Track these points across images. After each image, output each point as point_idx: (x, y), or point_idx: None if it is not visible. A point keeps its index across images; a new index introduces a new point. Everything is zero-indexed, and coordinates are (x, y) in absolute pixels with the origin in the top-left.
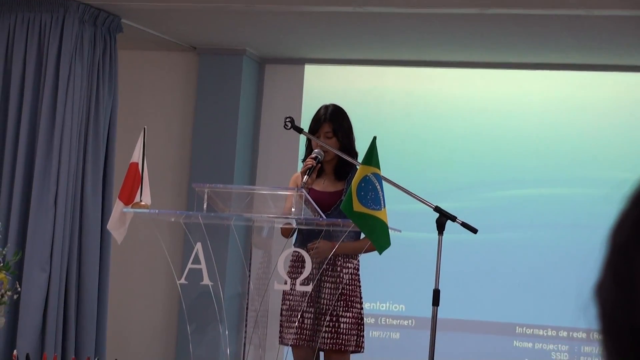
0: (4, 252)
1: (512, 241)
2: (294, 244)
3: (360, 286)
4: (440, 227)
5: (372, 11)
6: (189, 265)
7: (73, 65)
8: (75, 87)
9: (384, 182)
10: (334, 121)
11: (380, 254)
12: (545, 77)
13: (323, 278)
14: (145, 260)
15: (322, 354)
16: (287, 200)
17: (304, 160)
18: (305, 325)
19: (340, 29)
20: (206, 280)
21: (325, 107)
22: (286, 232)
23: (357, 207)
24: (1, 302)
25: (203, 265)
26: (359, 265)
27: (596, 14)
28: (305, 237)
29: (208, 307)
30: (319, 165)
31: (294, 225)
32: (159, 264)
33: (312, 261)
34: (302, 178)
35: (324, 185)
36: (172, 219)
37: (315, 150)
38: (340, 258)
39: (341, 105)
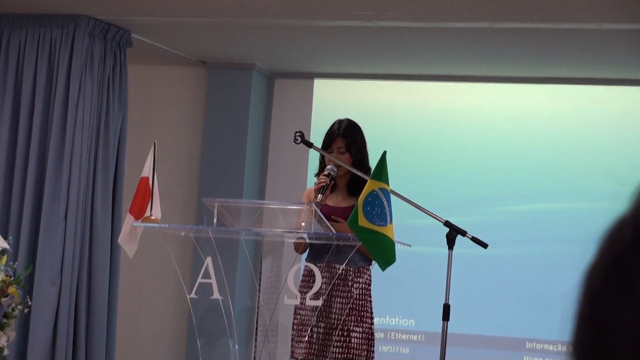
0: (14, 266)
1: (523, 256)
2: (305, 259)
3: (371, 301)
4: (451, 242)
5: (381, 25)
6: (199, 280)
7: (83, 80)
8: (85, 101)
9: (394, 197)
10: (347, 136)
11: (382, 270)
12: (555, 91)
13: (334, 293)
14: (155, 274)
15: None
16: (299, 216)
17: (317, 175)
18: (315, 340)
19: (350, 43)
20: (216, 295)
21: (340, 121)
22: (299, 247)
23: (362, 222)
24: (12, 316)
25: (213, 280)
26: (370, 279)
27: (606, 28)
28: (317, 253)
29: (218, 321)
30: (332, 182)
31: (307, 240)
32: (169, 278)
33: (322, 276)
34: (316, 196)
35: (336, 200)
36: (182, 233)
37: (328, 167)
38: (351, 272)
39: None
